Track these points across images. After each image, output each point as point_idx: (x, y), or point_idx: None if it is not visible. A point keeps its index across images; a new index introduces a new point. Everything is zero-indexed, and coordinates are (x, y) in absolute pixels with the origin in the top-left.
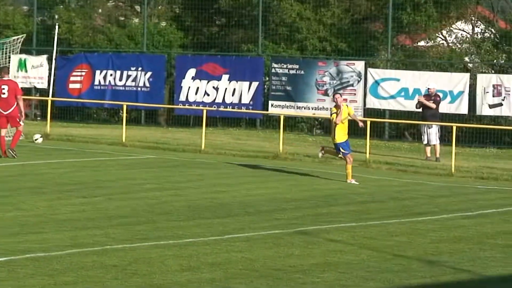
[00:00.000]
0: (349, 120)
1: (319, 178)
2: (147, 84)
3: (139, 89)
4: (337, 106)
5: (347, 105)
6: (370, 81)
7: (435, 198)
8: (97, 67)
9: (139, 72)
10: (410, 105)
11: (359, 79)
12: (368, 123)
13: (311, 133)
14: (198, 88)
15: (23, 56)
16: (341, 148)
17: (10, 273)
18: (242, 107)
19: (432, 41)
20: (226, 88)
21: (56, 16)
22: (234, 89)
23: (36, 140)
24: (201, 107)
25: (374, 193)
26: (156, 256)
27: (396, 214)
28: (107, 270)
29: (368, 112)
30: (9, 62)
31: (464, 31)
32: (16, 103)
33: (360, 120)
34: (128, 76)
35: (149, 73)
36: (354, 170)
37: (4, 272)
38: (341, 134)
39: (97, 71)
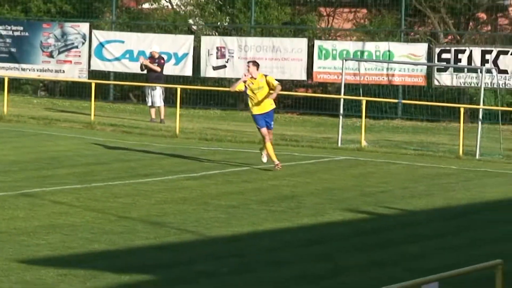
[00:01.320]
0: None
1: (44, 140)
2: None
3: None
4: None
5: (264, 75)
6: (95, 43)
7: (160, 160)
8: None
9: None
10: (134, 67)
11: (84, 41)
12: (93, 84)
13: (36, 95)
14: None
15: None
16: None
17: None
18: None
19: (157, 4)
20: None
21: None
22: None
23: None
24: None
25: (99, 155)
26: None
27: (121, 176)
28: None
29: (93, 74)
30: None
31: None
32: None
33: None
34: None
35: None
36: (78, 132)
37: None
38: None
39: None
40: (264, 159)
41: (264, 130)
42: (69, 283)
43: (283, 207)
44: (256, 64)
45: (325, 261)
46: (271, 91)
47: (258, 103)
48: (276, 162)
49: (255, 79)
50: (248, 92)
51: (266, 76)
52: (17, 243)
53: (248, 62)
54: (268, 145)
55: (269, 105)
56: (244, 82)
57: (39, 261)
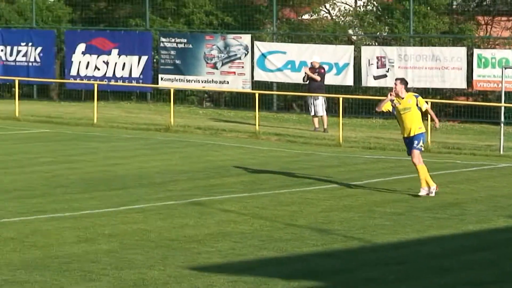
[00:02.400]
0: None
1: (211, 150)
2: (38, 59)
3: (30, 64)
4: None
5: (414, 96)
6: (257, 54)
7: (324, 168)
8: None
9: (29, 48)
10: (296, 78)
11: (246, 52)
12: (257, 95)
13: (201, 105)
14: (88, 62)
15: None
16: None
17: None
18: (132, 81)
19: (316, 14)
20: (116, 63)
21: None
22: (124, 63)
23: None
24: (92, 81)
25: (264, 163)
26: (53, 228)
27: (286, 184)
28: (5, 243)
29: (256, 84)
30: None
31: (347, 4)
32: None
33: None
34: (19, 52)
35: (39, 48)
36: (243, 142)
37: None
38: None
39: None
40: (423, 192)
41: (412, 154)
42: None
43: (448, 214)
44: (404, 82)
45: (491, 268)
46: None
47: (404, 126)
48: (433, 186)
49: (402, 98)
50: (396, 112)
51: (417, 97)
52: (188, 251)
53: (396, 79)
54: (420, 167)
55: (416, 128)
56: (392, 101)
57: (210, 268)
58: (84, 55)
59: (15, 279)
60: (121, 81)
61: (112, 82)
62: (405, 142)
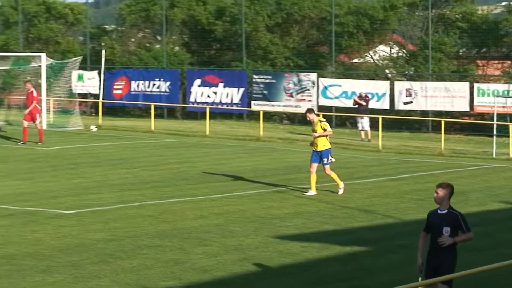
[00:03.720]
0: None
1: (288, 154)
2: (167, 90)
3: (161, 93)
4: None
5: (320, 121)
6: (321, 87)
7: (368, 167)
8: (133, 78)
9: (161, 82)
10: (349, 103)
11: (313, 85)
12: (321, 115)
13: (281, 123)
14: (202, 92)
15: (81, 71)
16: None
17: (78, 221)
18: (233, 105)
19: (363, 59)
20: (222, 92)
21: (103, 44)
22: (228, 93)
23: (92, 129)
24: (205, 106)
25: None
26: (178, 209)
27: (342, 178)
28: (144, 219)
29: (320, 108)
30: (71, 77)
31: (384, 51)
32: (32, 105)
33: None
34: (154, 85)
35: (168, 82)
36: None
37: (74, 220)
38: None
39: (133, 81)
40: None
41: (324, 169)
42: (309, 252)
43: (456, 199)
44: (311, 111)
45: (487, 239)
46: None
47: (314, 142)
48: (341, 184)
49: (313, 122)
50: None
51: (321, 121)
52: (272, 225)
53: (306, 110)
54: (333, 175)
55: (321, 145)
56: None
57: (288, 237)
58: (199, 87)
59: (152, 244)
60: (225, 105)
61: (219, 106)
62: (314, 153)
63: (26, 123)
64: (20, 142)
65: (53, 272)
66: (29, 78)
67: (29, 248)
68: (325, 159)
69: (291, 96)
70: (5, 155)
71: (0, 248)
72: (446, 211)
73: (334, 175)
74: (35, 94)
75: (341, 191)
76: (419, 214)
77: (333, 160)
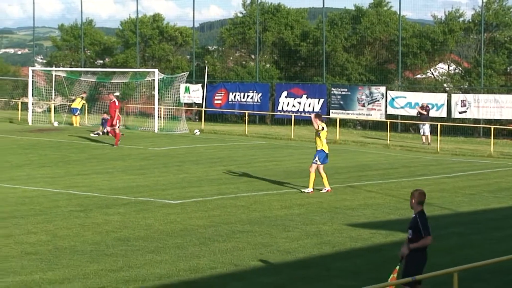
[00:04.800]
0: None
1: (360, 154)
2: (259, 100)
3: (254, 103)
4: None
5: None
6: (389, 98)
7: (428, 166)
8: (230, 90)
9: (254, 93)
10: (412, 112)
11: (383, 97)
12: (388, 122)
13: (354, 128)
14: (288, 102)
15: (188, 84)
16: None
17: (182, 209)
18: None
19: (425, 75)
20: (305, 103)
21: (206, 61)
22: (310, 103)
23: (195, 133)
24: (290, 114)
25: (393, 163)
26: (266, 200)
27: (406, 176)
28: (238, 208)
29: (388, 116)
30: (179, 89)
31: (443, 68)
32: (112, 114)
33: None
34: (248, 96)
35: (260, 94)
36: (380, 150)
37: (179, 209)
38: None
39: (230, 93)
40: (308, 190)
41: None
42: (377, 237)
43: (502, 194)
44: (318, 116)
45: None
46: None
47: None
48: (326, 188)
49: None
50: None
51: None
52: (346, 214)
53: (313, 114)
54: (311, 174)
55: (316, 147)
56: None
57: (359, 224)
58: (286, 98)
59: (244, 229)
60: (307, 113)
61: (303, 114)
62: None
63: (109, 128)
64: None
65: (161, 252)
66: (113, 91)
67: (141, 232)
68: (315, 158)
69: (364, 106)
70: (122, 154)
71: (117, 232)
72: (414, 215)
73: (312, 176)
74: (117, 103)
75: (305, 191)
76: (471, 206)
77: (319, 163)
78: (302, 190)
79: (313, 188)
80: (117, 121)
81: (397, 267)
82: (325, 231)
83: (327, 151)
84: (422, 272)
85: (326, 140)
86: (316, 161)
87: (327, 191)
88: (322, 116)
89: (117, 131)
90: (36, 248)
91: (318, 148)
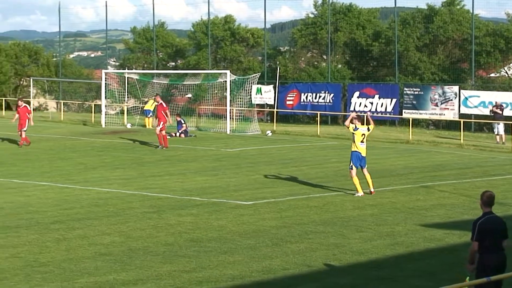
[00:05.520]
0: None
1: (433, 154)
2: (331, 101)
3: (326, 103)
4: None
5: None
6: (462, 97)
7: (503, 166)
8: (302, 91)
9: (326, 94)
10: (486, 111)
11: (456, 96)
12: (462, 122)
13: (427, 128)
14: (361, 102)
15: (259, 85)
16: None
17: (255, 210)
18: (387, 114)
19: (498, 73)
20: (377, 103)
21: (278, 62)
22: (382, 103)
23: (268, 134)
24: (363, 114)
25: (467, 163)
26: (339, 200)
27: (480, 175)
28: (310, 209)
29: (461, 115)
30: (251, 90)
31: None
32: (163, 115)
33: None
34: (320, 96)
35: (332, 94)
36: (453, 150)
37: (251, 210)
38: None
39: (302, 94)
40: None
41: None
42: (451, 238)
43: None
44: (359, 118)
45: None
46: None
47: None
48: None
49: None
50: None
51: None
52: (419, 215)
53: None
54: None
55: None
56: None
57: (432, 225)
58: (358, 98)
59: (316, 230)
60: (380, 113)
61: (375, 114)
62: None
63: (158, 129)
64: (158, 146)
65: (234, 253)
66: (157, 93)
67: (214, 233)
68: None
69: (436, 105)
70: (195, 156)
71: (190, 233)
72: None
73: (354, 180)
74: (164, 105)
75: (357, 195)
76: None
77: (354, 168)
78: (354, 194)
79: (363, 191)
80: (162, 122)
81: (467, 278)
82: (398, 231)
83: (363, 154)
84: (481, 277)
85: (363, 144)
86: (351, 166)
87: (361, 195)
88: (395, 116)
89: (163, 133)
90: (110, 249)
91: (351, 150)
